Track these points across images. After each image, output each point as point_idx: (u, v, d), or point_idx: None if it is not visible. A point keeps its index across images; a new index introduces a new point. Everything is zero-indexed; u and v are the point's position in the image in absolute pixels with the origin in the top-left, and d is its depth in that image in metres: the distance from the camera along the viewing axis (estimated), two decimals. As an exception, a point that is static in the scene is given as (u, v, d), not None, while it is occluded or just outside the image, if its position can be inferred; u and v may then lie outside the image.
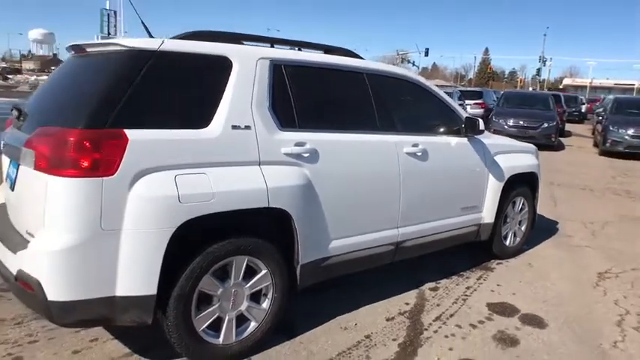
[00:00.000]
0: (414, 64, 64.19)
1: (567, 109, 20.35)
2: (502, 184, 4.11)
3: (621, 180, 9.24)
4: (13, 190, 2.49)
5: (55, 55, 69.65)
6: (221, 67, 2.55)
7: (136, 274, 2.19)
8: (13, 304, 2.98)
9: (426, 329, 3.06)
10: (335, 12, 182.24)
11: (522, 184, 4.41)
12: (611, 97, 20.08)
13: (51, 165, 2.08)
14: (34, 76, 35.17)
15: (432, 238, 3.62)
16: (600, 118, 14.40)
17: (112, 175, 2.11)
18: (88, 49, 2.56)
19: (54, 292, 2.09)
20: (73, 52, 2.75)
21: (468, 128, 3.75)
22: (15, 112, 2.66)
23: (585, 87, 66.96)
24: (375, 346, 2.83)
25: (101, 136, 2.12)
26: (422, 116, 3.67)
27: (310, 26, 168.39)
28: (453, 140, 3.71)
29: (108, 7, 31.02)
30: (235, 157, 2.48)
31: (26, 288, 2.15)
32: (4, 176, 2.71)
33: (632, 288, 3.92)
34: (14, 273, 2.21)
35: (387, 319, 3.17)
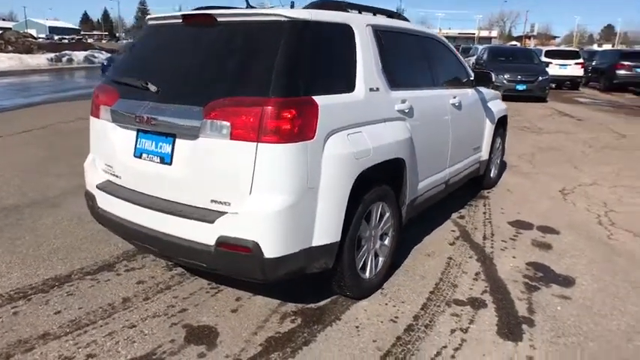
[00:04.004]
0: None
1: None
2: (494, 126, 4.95)
3: (517, 118, 11.01)
4: (170, 163, 2.50)
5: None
6: (349, 34, 2.79)
7: (327, 225, 2.47)
8: (116, 285, 2.98)
9: (483, 247, 3.78)
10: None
11: (501, 125, 5.31)
12: (479, 46, 22.76)
13: (262, 133, 2.21)
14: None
15: (461, 176, 4.32)
16: (478, 66, 16.49)
17: (312, 138, 2.33)
18: (220, 19, 2.58)
19: (270, 250, 2.29)
20: (183, 21, 2.71)
21: (478, 81, 4.44)
22: (138, 84, 2.58)
23: (436, 37, 73.43)
24: (461, 264, 3.47)
25: (302, 104, 2.30)
26: (452, 71, 4.24)
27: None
28: (469, 91, 4.38)
29: None
30: (373, 117, 2.80)
31: (238, 250, 2.30)
32: (133, 151, 2.66)
33: (589, 199, 5.12)
34: (213, 241, 2.33)
35: (450, 244, 3.82)
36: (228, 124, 2.26)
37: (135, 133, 2.66)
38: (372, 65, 2.87)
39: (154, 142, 2.56)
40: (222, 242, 2.32)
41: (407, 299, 2.96)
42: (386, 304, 2.90)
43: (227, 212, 2.33)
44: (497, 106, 5.15)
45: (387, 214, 3.03)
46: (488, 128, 4.88)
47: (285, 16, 2.43)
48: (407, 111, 3.13)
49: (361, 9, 3.23)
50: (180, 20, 2.74)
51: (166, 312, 2.76)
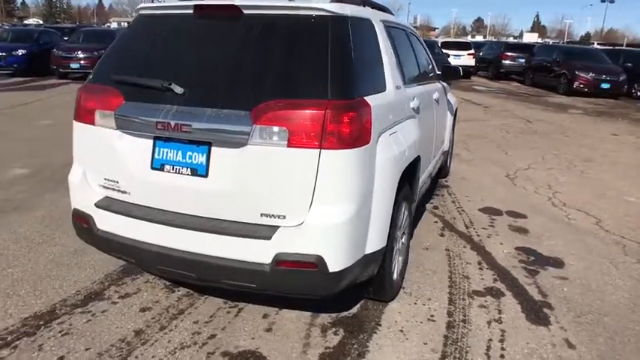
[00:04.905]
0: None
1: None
2: (453, 118, 5.17)
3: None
4: (205, 175, 2.20)
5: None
6: (374, 30, 2.68)
7: (378, 231, 2.37)
8: (117, 316, 2.62)
9: (470, 235, 3.94)
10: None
11: (454, 116, 5.56)
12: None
13: (325, 139, 2.03)
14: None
15: (437, 168, 4.46)
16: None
17: (369, 142, 2.20)
18: (247, 11, 2.31)
19: (334, 264, 2.14)
20: (196, 12, 2.39)
21: (446, 75, 4.59)
22: (156, 84, 2.22)
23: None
24: (460, 254, 3.57)
25: (359, 106, 2.16)
26: (429, 66, 4.30)
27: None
28: (439, 85, 4.50)
29: None
30: (401, 115, 2.74)
31: (301, 267, 2.11)
32: (149, 163, 2.30)
33: (533, 182, 5.59)
34: (269, 260, 2.11)
35: (441, 236, 3.92)
36: (285, 129, 2.05)
37: (151, 141, 2.30)
38: (393, 62, 2.81)
39: (181, 151, 2.24)
40: (282, 260, 2.11)
41: (431, 296, 2.97)
42: (415, 303, 2.89)
43: (283, 226, 2.12)
44: (453, 99, 5.38)
45: (406, 212, 3.01)
46: (449, 120, 5.09)
47: (329, 11, 2.25)
48: (416, 108, 3.12)
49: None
50: (191, 11, 2.41)
51: (194, 341, 2.46)
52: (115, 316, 2.66)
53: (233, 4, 2.31)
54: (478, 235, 3.95)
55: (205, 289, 2.89)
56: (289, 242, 2.11)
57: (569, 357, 2.44)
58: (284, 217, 2.12)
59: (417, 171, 3.09)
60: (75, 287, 2.95)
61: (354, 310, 2.78)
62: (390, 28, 3.05)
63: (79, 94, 2.50)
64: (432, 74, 4.24)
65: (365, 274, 2.41)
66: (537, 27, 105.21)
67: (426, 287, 3.08)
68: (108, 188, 2.45)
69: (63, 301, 2.79)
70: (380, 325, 2.65)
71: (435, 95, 3.98)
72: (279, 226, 2.13)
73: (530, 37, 55.08)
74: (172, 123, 2.17)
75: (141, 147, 2.32)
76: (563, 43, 45.58)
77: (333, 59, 2.14)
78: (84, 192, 2.52)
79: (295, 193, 2.10)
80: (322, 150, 2.05)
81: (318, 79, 2.11)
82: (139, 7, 2.63)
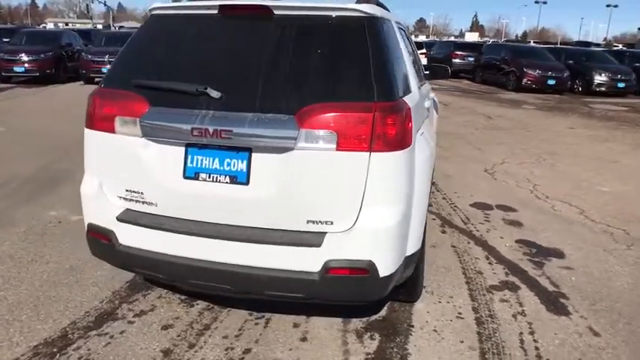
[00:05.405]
0: (105, 4, 58.06)
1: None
2: (437, 116, 5.26)
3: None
4: (246, 183, 2.09)
5: None
6: (393, 30, 2.66)
7: (416, 232, 2.35)
8: (139, 337, 2.46)
9: (471, 231, 4.03)
10: None
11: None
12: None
13: (375, 142, 1.99)
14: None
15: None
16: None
17: (412, 144, 2.18)
18: (278, 12, 2.22)
19: (384, 268, 2.10)
20: (221, 12, 2.26)
21: (436, 74, 4.67)
22: (190, 88, 2.09)
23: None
24: (467, 251, 3.64)
25: (403, 107, 2.13)
26: (420, 65, 4.35)
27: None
28: (428, 85, 4.57)
29: None
30: (423, 115, 2.75)
31: (353, 273, 2.05)
32: (181, 172, 2.16)
33: (512, 176, 5.80)
34: (318, 267, 2.05)
35: (443, 233, 3.98)
36: (333, 133, 1.99)
37: (182, 149, 2.16)
38: (411, 62, 2.80)
39: (218, 158, 2.12)
40: (332, 267, 2.05)
41: (452, 293, 3.00)
42: (439, 302, 2.90)
43: (330, 232, 2.06)
44: (435, 97, 5.48)
45: (424, 213, 3.02)
46: (435, 118, 5.17)
47: (364, 12, 2.20)
48: (429, 107, 3.14)
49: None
50: (215, 11, 2.28)
51: (230, 357, 2.34)
52: (136, 337, 2.48)
53: (264, 4, 2.21)
54: (478, 231, 4.04)
55: (226, 301, 2.76)
56: (338, 248, 2.05)
57: (598, 344, 2.53)
58: (331, 223, 2.06)
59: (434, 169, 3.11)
60: (82, 308, 2.73)
61: (383, 312, 2.76)
62: (400, 29, 3.05)
63: (94, 100, 2.31)
64: (423, 73, 4.29)
65: (403, 277, 2.39)
66: (476, 26, 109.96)
67: (445, 285, 3.10)
68: (130, 200, 2.29)
69: (72, 324, 2.58)
70: (412, 326, 2.64)
71: (432, 94, 4.03)
72: (326, 232, 2.07)
73: (472, 37, 57.51)
74: (211, 129, 2.04)
75: (171, 155, 2.18)
76: (506, 41, 47.85)
77: (375, 60, 2.11)
78: (101, 205, 2.33)
79: (344, 198, 2.05)
80: (372, 153, 2.01)
81: (363, 81, 2.07)
82: (152, 7, 2.47)
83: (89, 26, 41.77)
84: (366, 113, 2.00)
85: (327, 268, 2.05)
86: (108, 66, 13.47)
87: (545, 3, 70.75)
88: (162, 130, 2.14)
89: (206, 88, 2.07)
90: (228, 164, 2.11)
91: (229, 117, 2.05)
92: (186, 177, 2.16)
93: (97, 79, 14.25)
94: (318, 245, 2.04)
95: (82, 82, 14.26)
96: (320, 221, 2.07)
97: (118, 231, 2.29)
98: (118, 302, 2.80)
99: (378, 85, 2.06)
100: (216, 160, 2.12)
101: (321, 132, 1.99)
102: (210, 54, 2.26)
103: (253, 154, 2.09)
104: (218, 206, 2.14)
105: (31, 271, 3.12)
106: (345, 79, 2.09)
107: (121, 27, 47.24)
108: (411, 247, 2.33)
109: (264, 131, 2.02)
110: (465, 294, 3.00)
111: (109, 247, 2.33)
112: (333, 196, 2.05)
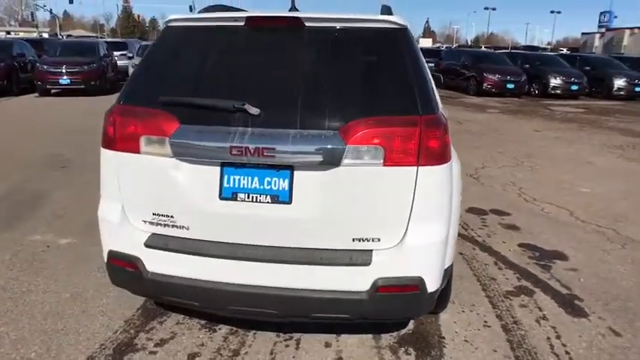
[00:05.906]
0: (51, 12, 55.90)
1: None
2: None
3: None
4: (289, 202, 2.00)
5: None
6: (414, 40, 2.65)
7: (453, 245, 2.34)
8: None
9: (472, 237, 4.08)
10: None
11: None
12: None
13: (422, 156, 1.96)
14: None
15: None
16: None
17: (451, 157, 2.16)
18: (309, 24, 2.16)
19: (432, 283, 2.08)
20: (248, 25, 2.18)
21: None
22: (226, 105, 1.99)
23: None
24: (475, 257, 3.68)
25: (443, 120, 2.11)
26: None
27: None
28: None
29: None
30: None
31: (403, 291, 2.01)
32: (217, 193, 2.05)
33: (497, 180, 5.94)
34: (367, 286, 1.99)
35: (446, 240, 4.01)
36: (380, 147, 1.94)
37: (217, 168, 2.05)
38: (428, 72, 2.80)
39: (257, 177, 2.03)
40: (381, 285, 2.00)
41: (473, 302, 3.01)
42: (463, 311, 2.91)
43: (377, 249, 2.02)
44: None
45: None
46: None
47: (396, 23, 2.19)
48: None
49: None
50: (242, 23, 2.20)
51: None
52: (164, 368, 2.34)
53: (295, 15, 2.15)
54: (479, 236, 4.09)
55: (249, 324, 2.65)
56: (387, 266, 2.01)
57: (622, 345, 2.60)
58: (378, 240, 2.02)
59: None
60: (95, 340, 2.55)
61: (411, 326, 2.73)
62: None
63: (114, 119, 2.16)
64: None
65: (440, 289, 2.37)
66: (428, 32, 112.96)
67: (464, 294, 3.11)
68: (157, 224, 2.15)
69: (90, 358, 2.40)
70: (443, 338, 2.63)
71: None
72: (372, 250, 2.02)
73: (426, 42, 59.05)
74: (252, 147, 1.95)
75: (204, 175, 2.06)
76: (458, 46, 49.42)
77: (414, 73, 2.09)
78: (125, 231, 2.19)
79: (391, 214, 2.01)
80: (419, 167, 1.98)
81: (406, 94, 2.04)
82: (169, 18, 2.35)
83: (34, 35, 39.82)
84: (412, 127, 1.97)
85: (376, 286, 2.00)
86: (65, 77, 13.36)
87: (494, 9, 73.85)
88: (196, 149, 2.03)
89: (244, 104, 1.98)
90: (269, 183, 2.02)
91: (270, 134, 1.97)
92: (222, 198, 2.05)
93: (53, 91, 13.66)
94: (367, 264, 1.99)
95: (37, 94, 13.60)
96: (367, 239, 2.02)
97: (145, 258, 2.15)
98: (134, 331, 2.63)
99: (421, 98, 2.04)
100: (256, 179, 2.03)
101: (368, 147, 1.95)
102: (240, 68, 2.18)
103: (295, 172, 2.01)
104: (259, 227, 2.05)
105: (29, 303, 2.89)
106: (387, 93, 2.06)
107: (69, 35, 45.38)
108: (449, 260, 2.31)
109: (308, 148, 1.95)
110: (485, 301, 3.02)
111: (135, 275, 2.18)
112: (379, 212, 2.01)
